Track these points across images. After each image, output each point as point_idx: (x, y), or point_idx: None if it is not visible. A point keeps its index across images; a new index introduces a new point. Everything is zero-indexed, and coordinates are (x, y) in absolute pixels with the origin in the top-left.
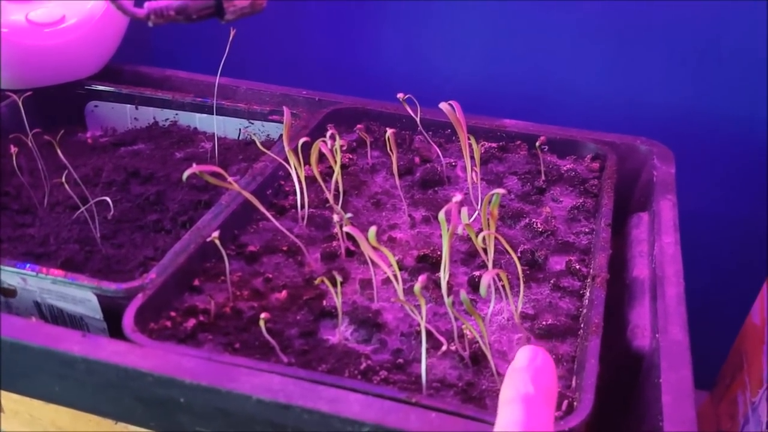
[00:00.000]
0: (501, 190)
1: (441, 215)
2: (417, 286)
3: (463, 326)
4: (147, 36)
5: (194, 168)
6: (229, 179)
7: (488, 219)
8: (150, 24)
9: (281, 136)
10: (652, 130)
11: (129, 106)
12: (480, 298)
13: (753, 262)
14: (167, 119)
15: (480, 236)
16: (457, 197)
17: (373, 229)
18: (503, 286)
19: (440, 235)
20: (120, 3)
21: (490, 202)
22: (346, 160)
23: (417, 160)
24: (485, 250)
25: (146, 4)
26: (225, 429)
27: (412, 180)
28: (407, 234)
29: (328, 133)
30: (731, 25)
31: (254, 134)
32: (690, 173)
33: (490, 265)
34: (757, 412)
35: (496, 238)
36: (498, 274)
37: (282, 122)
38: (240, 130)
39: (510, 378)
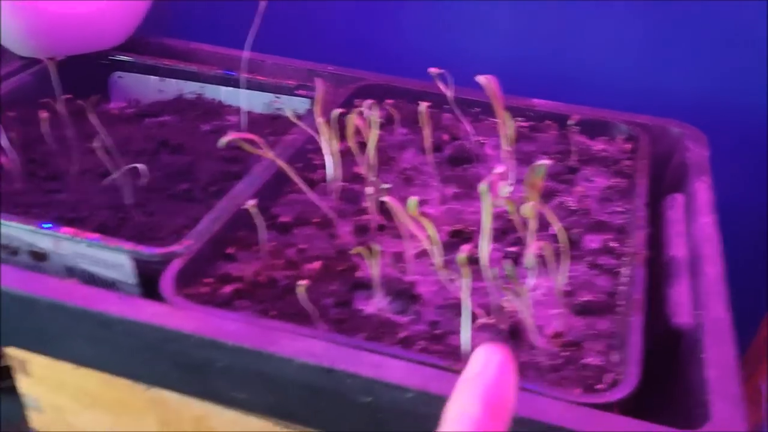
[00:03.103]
0: (547, 161)
1: (482, 186)
2: (461, 256)
3: (505, 299)
4: (169, 9)
5: (231, 135)
6: (266, 148)
7: (530, 190)
8: None
9: (308, 111)
10: (680, 115)
11: (154, 77)
12: (518, 273)
13: None
14: (193, 92)
15: (525, 207)
16: (499, 168)
17: (413, 199)
18: (543, 263)
19: (471, 212)
20: None
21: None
22: (367, 137)
23: (446, 137)
24: (524, 225)
25: None
26: (261, 394)
27: (441, 157)
28: (438, 210)
29: (365, 103)
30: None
31: (283, 108)
32: (719, 161)
33: (530, 237)
34: None
35: (539, 209)
36: (541, 247)
37: (309, 97)
38: (266, 104)
39: (457, 391)
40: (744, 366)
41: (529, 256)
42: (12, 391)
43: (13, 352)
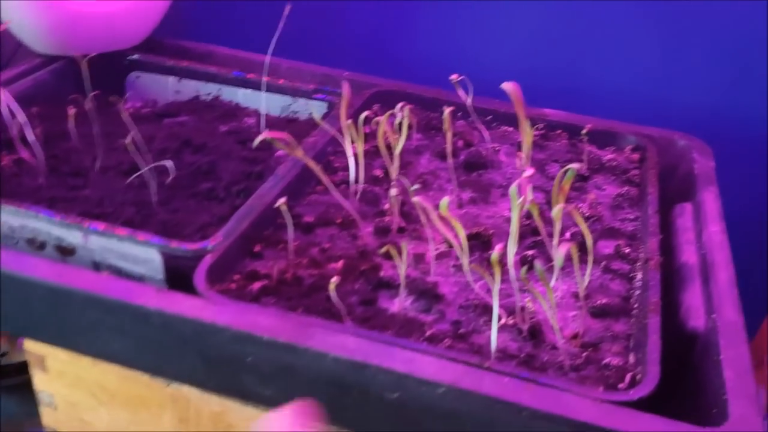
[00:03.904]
0: (575, 165)
1: (512, 189)
2: (494, 255)
3: (527, 300)
4: (186, 10)
5: (266, 133)
6: (297, 146)
7: (558, 194)
8: None
9: (325, 114)
10: (685, 128)
11: (171, 78)
12: (532, 276)
13: None
14: (209, 93)
15: (555, 209)
16: (528, 171)
17: (446, 200)
18: (562, 268)
19: (487, 216)
20: None
21: (562, 179)
22: (393, 141)
23: (460, 143)
24: (541, 228)
25: None
26: (288, 390)
27: (456, 162)
28: (456, 213)
29: (399, 106)
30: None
31: (299, 111)
32: (722, 173)
33: (556, 239)
34: None
35: (569, 211)
36: (569, 249)
37: (326, 101)
38: (283, 107)
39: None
40: None
41: (558, 257)
42: (12, 390)
43: (32, 347)
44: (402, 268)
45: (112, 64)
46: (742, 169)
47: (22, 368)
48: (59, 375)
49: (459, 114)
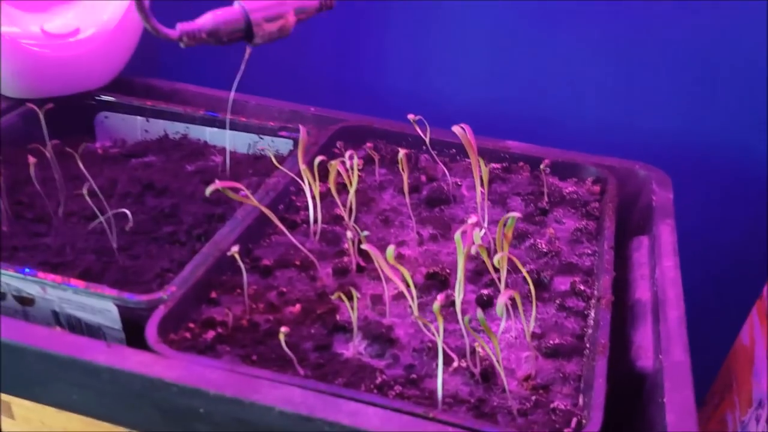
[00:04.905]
0: (516, 214)
1: (457, 236)
2: (436, 305)
3: (476, 344)
4: (155, 49)
5: (217, 184)
6: (249, 195)
7: (502, 241)
8: (182, 45)
9: (291, 152)
10: (648, 154)
11: (140, 118)
12: (487, 315)
13: (743, 284)
14: (177, 132)
15: (496, 257)
16: (472, 219)
17: (391, 248)
18: (514, 306)
19: (447, 253)
20: (153, 25)
21: (504, 225)
22: (351, 175)
23: (423, 178)
24: (495, 269)
25: (178, 26)
26: None
27: (419, 198)
28: (415, 251)
29: (347, 154)
30: (730, 51)
31: (267, 149)
32: (683, 195)
33: (502, 286)
34: (747, 430)
35: (508, 259)
36: (511, 296)
37: (291, 138)
38: (250, 144)
39: None
40: (711, 396)
41: (500, 305)
42: None
43: None
44: (354, 314)
45: (81, 105)
46: (701, 194)
47: None
48: (25, 421)
49: (423, 147)
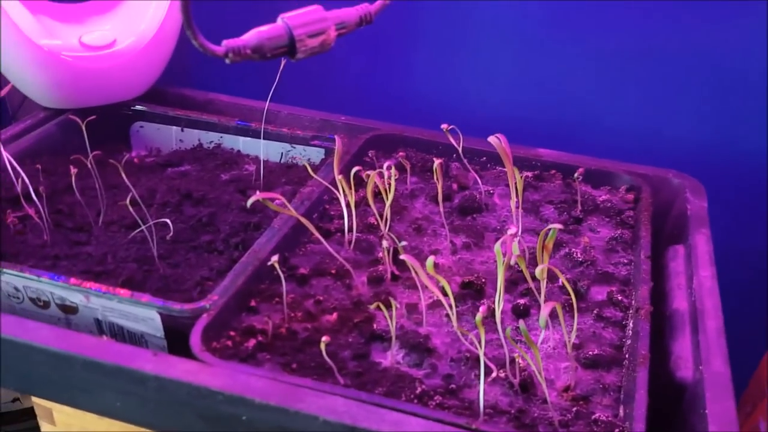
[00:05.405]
0: (558, 225)
1: (497, 247)
2: (479, 317)
3: (516, 354)
4: (186, 59)
5: (258, 195)
6: (287, 204)
7: (542, 252)
8: (227, 61)
9: (322, 161)
10: (678, 161)
11: (175, 127)
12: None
13: None
14: (211, 141)
15: (537, 269)
16: (512, 230)
17: (431, 259)
18: (552, 316)
19: (481, 262)
20: (201, 42)
21: (546, 236)
22: (387, 186)
23: (455, 186)
24: (533, 279)
25: (224, 43)
26: None
27: (451, 206)
28: (449, 260)
29: (385, 165)
30: (762, 58)
31: (300, 158)
32: (715, 207)
33: (542, 297)
34: None
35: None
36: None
37: (322, 147)
38: (282, 153)
39: None
40: (743, 403)
41: (543, 317)
42: None
43: (39, 400)
44: (392, 324)
45: (117, 115)
46: (738, 203)
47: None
48: (66, 426)
49: (454, 156)
